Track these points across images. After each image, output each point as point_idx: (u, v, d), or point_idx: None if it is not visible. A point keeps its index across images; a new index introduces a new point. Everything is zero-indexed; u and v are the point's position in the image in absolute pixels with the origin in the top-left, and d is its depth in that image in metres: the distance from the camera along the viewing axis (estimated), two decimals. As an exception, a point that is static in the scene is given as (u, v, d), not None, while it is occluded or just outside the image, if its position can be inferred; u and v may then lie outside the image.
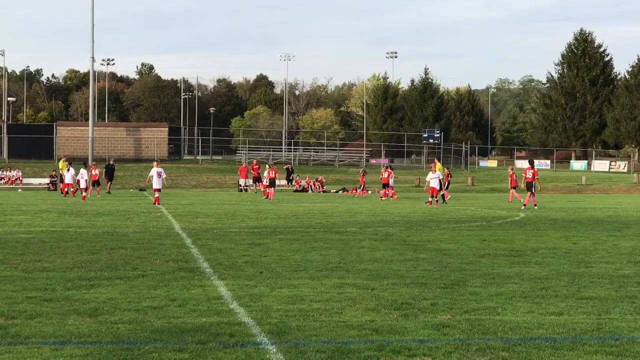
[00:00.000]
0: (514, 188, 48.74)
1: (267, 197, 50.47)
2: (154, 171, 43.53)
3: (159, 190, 42.95)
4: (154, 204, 40.69)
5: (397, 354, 8.98)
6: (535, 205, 40.01)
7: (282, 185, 70.03)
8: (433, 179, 41.64)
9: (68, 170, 53.35)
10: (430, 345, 9.35)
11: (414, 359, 8.79)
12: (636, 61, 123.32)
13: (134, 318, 10.74)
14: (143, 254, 17.93)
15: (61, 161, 59.76)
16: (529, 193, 40.54)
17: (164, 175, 43.69)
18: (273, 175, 52.17)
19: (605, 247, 20.30)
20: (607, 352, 9.11)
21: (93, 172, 53.10)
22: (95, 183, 53.26)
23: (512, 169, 51.96)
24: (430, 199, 41.06)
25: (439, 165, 46.64)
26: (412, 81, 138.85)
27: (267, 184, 52.30)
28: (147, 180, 49.37)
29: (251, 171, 63.05)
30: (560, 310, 11.49)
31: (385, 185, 51.45)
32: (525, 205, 40.04)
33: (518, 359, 8.83)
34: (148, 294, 12.58)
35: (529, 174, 40.99)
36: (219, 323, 10.43)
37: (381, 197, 51.67)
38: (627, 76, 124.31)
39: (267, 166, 55.62)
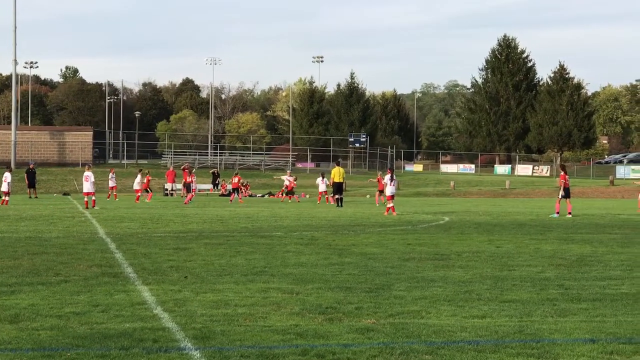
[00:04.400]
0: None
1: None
2: (85, 175, 43.49)
3: (90, 193, 42.47)
4: (93, 207, 40.74)
5: (322, 358, 8.98)
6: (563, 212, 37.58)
7: (208, 190, 69.74)
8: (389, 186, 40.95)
9: None
10: (355, 349, 9.37)
11: (338, 363, 8.81)
12: (558, 67, 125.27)
13: (55, 324, 10.59)
14: (66, 259, 17.71)
15: None
16: (568, 200, 38.22)
17: (92, 180, 43.30)
18: (190, 180, 52.81)
19: (527, 251, 20.55)
20: (528, 354, 9.21)
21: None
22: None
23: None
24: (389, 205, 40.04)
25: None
26: (338, 85, 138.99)
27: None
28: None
29: (187, 176, 63.70)
30: (483, 314, 11.60)
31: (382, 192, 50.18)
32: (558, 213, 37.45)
33: (441, 362, 8.90)
34: (71, 300, 12.43)
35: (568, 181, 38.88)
36: (143, 328, 10.33)
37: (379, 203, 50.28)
38: (549, 82, 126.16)
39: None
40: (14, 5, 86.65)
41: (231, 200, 53.59)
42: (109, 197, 53.88)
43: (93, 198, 42.09)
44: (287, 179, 57.35)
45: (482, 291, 13.63)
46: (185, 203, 48.65)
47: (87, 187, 42.64)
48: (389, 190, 39.09)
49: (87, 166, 47.08)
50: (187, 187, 60.36)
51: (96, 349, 9.24)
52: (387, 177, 39.71)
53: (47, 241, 22.02)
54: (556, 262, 17.97)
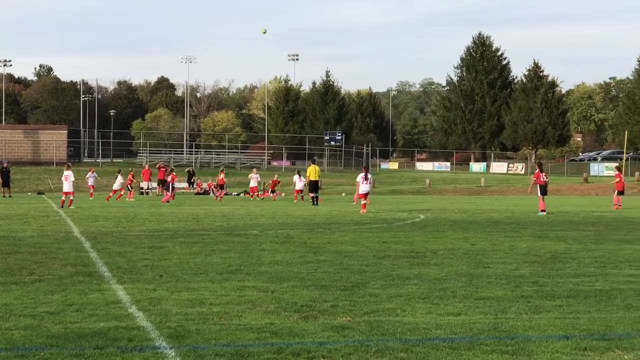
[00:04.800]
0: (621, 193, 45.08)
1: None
2: (64, 174, 43.41)
3: (68, 193, 42.29)
4: (69, 206, 40.54)
5: (297, 356, 8.97)
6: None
7: (184, 189, 69.60)
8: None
9: None
10: (330, 347, 9.37)
11: (313, 361, 8.80)
12: (532, 65, 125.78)
13: (29, 324, 10.53)
14: (40, 258, 17.62)
15: None
16: (542, 198, 37.80)
17: (72, 179, 43.15)
18: (163, 177, 52.98)
19: (502, 248, 20.61)
20: (503, 351, 9.24)
21: None
22: None
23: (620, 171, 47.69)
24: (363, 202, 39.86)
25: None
26: (314, 84, 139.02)
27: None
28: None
29: (163, 174, 63.92)
30: (458, 311, 11.62)
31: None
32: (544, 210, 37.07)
33: (416, 359, 8.90)
34: (45, 299, 12.36)
35: (543, 178, 38.73)
36: (117, 327, 10.29)
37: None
38: (524, 79, 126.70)
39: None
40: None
41: (220, 198, 53.72)
42: (91, 196, 53.33)
43: (71, 198, 41.87)
44: (254, 177, 57.50)
45: (457, 289, 13.66)
46: (162, 202, 48.55)
47: (67, 186, 42.53)
48: (362, 188, 39.11)
49: (66, 165, 46.90)
50: (164, 185, 60.47)
51: (70, 349, 9.19)
52: (361, 175, 39.73)
53: (21, 240, 21.90)
54: (530, 260, 18.03)
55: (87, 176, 54.94)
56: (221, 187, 55.24)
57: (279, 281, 14.40)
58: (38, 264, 16.63)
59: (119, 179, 53.99)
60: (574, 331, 10.26)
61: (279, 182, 59.87)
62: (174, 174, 53.79)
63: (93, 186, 55.11)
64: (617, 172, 46.86)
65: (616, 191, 44.60)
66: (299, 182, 54.45)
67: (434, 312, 11.51)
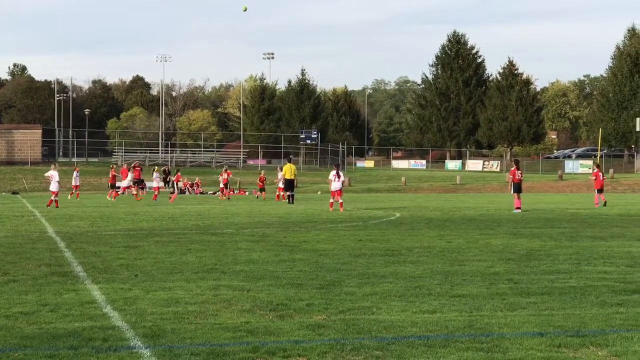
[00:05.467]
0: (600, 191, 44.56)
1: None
2: (50, 174, 43.38)
3: (54, 193, 42.17)
4: (56, 207, 40.24)
5: (272, 355, 8.97)
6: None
7: (159, 187, 69.32)
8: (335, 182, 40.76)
9: None
10: (305, 345, 9.37)
11: (289, 360, 8.80)
12: (507, 63, 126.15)
13: (3, 324, 10.47)
14: (14, 258, 17.53)
15: None
16: (517, 195, 37.84)
17: (57, 179, 43.06)
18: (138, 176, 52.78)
19: (477, 245, 20.68)
20: (478, 348, 9.27)
21: None
22: None
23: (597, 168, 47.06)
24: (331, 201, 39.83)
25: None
26: (289, 82, 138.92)
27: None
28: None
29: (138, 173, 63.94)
30: (434, 309, 11.64)
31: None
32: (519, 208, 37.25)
33: (392, 357, 8.91)
34: (19, 300, 12.30)
35: (518, 175, 38.63)
36: (92, 327, 10.24)
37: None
38: (499, 77, 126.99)
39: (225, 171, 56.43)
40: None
41: (228, 197, 53.52)
42: (70, 196, 52.89)
43: (56, 198, 41.61)
44: (222, 177, 56.95)
45: (432, 286, 13.69)
46: (170, 201, 48.88)
47: (53, 186, 42.45)
48: (334, 185, 39.13)
49: (53, 165, 46.79)
50: (140, 184, 60.70)
51: (45, 349, 9.14)
52: (333, 172, 39.76)
53: (-4, 241, 21.78)
54: (506, 257, 18.10)
55: (74, 175, 54.18)
56: (226, 186, 55.05)
57: (254, 280, 14.39)
58: (12, 264, 16.55)
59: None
60: (548, 328, 10.30)
61: (265, 178, 58.25)
62: (179, 174, 54.01)
63: (78, 186, 54.36)
64: (594, 170, 46.33)
65: (595, 189, 44.47)
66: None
67: (409, 310, 11.53)
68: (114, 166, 61.64)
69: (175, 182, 52.91)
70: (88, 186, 78.75)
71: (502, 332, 10.10)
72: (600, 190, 43.97)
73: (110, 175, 55.19)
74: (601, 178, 44.95)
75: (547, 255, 18.36)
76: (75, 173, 54.17)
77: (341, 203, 38.11)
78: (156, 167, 59.98)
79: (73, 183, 53.48)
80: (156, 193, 53.46)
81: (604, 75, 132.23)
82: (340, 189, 39.11)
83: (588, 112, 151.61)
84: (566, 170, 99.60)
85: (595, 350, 9.20)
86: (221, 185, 56.26)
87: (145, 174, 64.78)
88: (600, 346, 9.40)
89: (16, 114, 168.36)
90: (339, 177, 39.11)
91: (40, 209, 38.77)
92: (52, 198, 41.70)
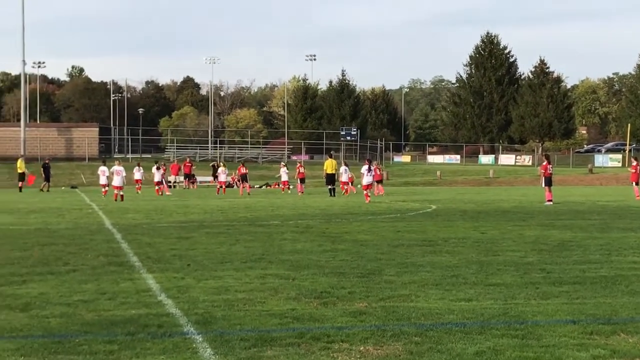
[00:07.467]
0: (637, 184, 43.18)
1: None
2: (115, 169, 44.14)
3: (118, 187, 42.54)
4: (121, 201, 40.60)
5: (317, 340, 8.95)
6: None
7: (209, 182, 69.69)
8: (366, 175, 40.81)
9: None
10: (348, 332, 9.35)
11: (333, 345, 8.75)
12: (538, 62, 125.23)
13: (65, 312, 10.55)
14: (74, 249, 17.67)
15: (19, 160, 59.98)
16: (548, 188, 37.23)
17: (123, 174, 43.50)
18: (245, 171, 53.15)
19: (511, 236, 20.53)
20: (512, 335, 9.19)
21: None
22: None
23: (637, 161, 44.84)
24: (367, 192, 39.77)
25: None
26: (330, 82, 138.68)
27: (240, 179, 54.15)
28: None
29: (183, 169, 65.15)
30: (469, 297, 11.58)
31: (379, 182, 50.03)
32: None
33: (430, 343, 8.86)
34: (79, 288, 12.40)
35: (550, 169, 37.97)
36: (148, 315, 10.30)
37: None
38: (531, 76, 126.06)
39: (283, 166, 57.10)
40: (22, 8, 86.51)
41: (248, 191, 53.48)
42: (139, 190, 52.52)
43: (121, 193, 42.00)
44: (283, 172, 57.23)
45: (468, 275, 13.61)
46: (241, 194, 49.91)
47: (117, 181, 42.81)
48: (366, 179, 39.13)
49: (117, 161, 47.67)
50: (190, 178, 61.40)
51: (104, 335, 9.21)
52: (365, 167, 39.73)
53: (56, 232, 21.97)
54: (538, 247, 17.96)
55: (135, 170, 54.18)
56: (244, 178, 54.07)
57: (299, 269, 14.39)
58: (72, 254, 16.69)
59: (159, 172, 53.57)
60: (580, 316, 10.21)
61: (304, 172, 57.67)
62: (244, 166, 54.58)
63: (141, 180, 54.31)
64: (634, 164, 44.72)
65: (633, 182, 43.37)
66: (284, 174, 55.31)
67: (446, 298, 11.47)
68: (163, 162, 61.83)
69: (245, 175, 53.15)
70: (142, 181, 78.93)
71: (535, 319, 10.02)
72: (637, 183, 42.82)
73: (162, 172, 55.05)
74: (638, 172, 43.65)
75: (578, 246, 18.19)
76: (137, 168, 54.17)
77: (367, 194, 37.97)
78: (222, 162, 60.43)
79: (136, 177, 53.24)
80: (224, 187, 54.40)
81: (633, 73, 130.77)
82: (371, 184, 39.05)
83: (617, 108, 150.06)
84: (596, 164, 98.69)
85: (626, 337, 9.10)
86: (230, 179, 57.14)
87: (201, 168, 65.16)
88: (631, 333, 9.30)
89: (74, 113, 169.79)
90: (370, 171, 39.07)
91: (97, 202, 39.03)
92: (117, 192, 41.96)
